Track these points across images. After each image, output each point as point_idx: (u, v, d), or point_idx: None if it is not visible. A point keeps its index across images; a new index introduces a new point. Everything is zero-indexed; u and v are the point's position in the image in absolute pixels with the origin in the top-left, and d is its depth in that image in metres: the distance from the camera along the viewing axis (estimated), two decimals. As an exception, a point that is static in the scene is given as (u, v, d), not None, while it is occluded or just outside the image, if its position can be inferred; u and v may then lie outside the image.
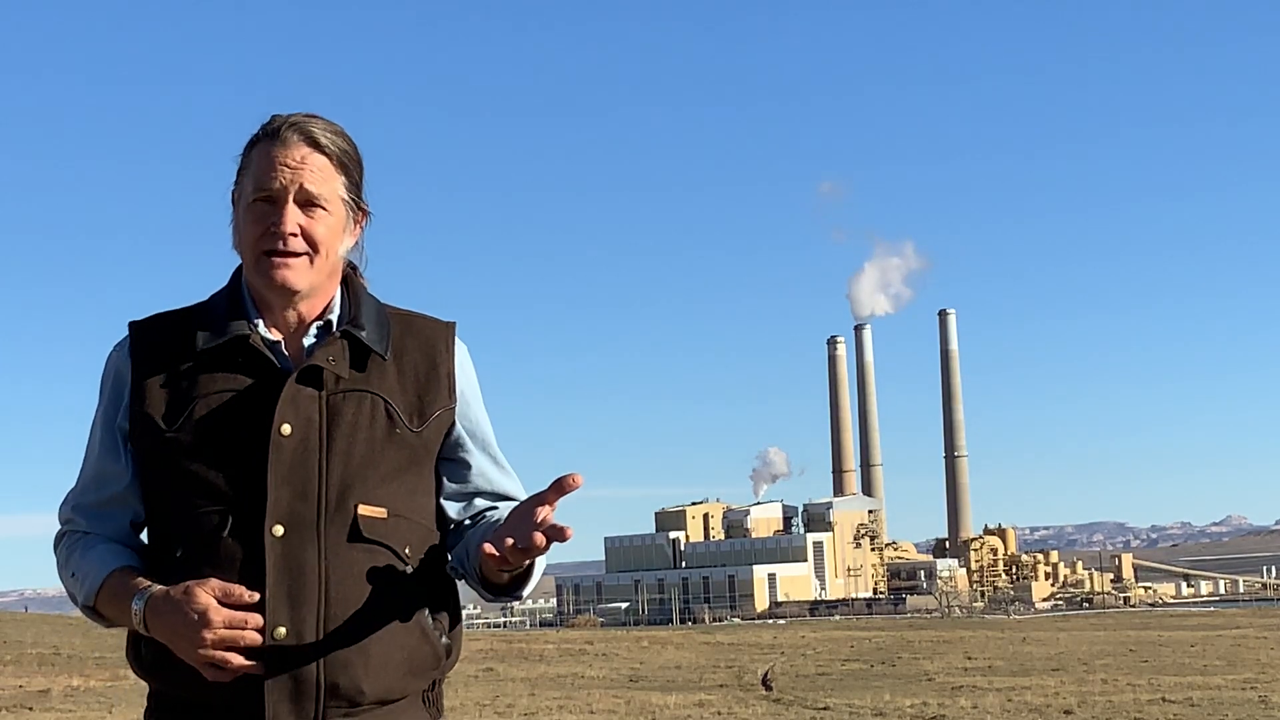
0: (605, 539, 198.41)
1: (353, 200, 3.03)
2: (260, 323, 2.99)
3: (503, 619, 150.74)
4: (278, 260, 2.93)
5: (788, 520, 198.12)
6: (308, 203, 2.95)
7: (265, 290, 2.98)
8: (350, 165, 3.02)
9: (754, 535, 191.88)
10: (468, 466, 3.10)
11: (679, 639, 56.83)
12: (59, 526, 3.08)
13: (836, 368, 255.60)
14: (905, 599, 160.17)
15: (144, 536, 3.04)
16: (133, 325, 3.06)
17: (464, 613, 3.20)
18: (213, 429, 2.92)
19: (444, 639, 3.01)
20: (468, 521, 3.10)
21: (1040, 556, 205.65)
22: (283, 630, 2.83)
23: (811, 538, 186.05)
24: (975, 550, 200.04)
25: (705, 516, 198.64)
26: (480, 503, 3.11)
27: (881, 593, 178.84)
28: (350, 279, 3.08)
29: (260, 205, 2.95)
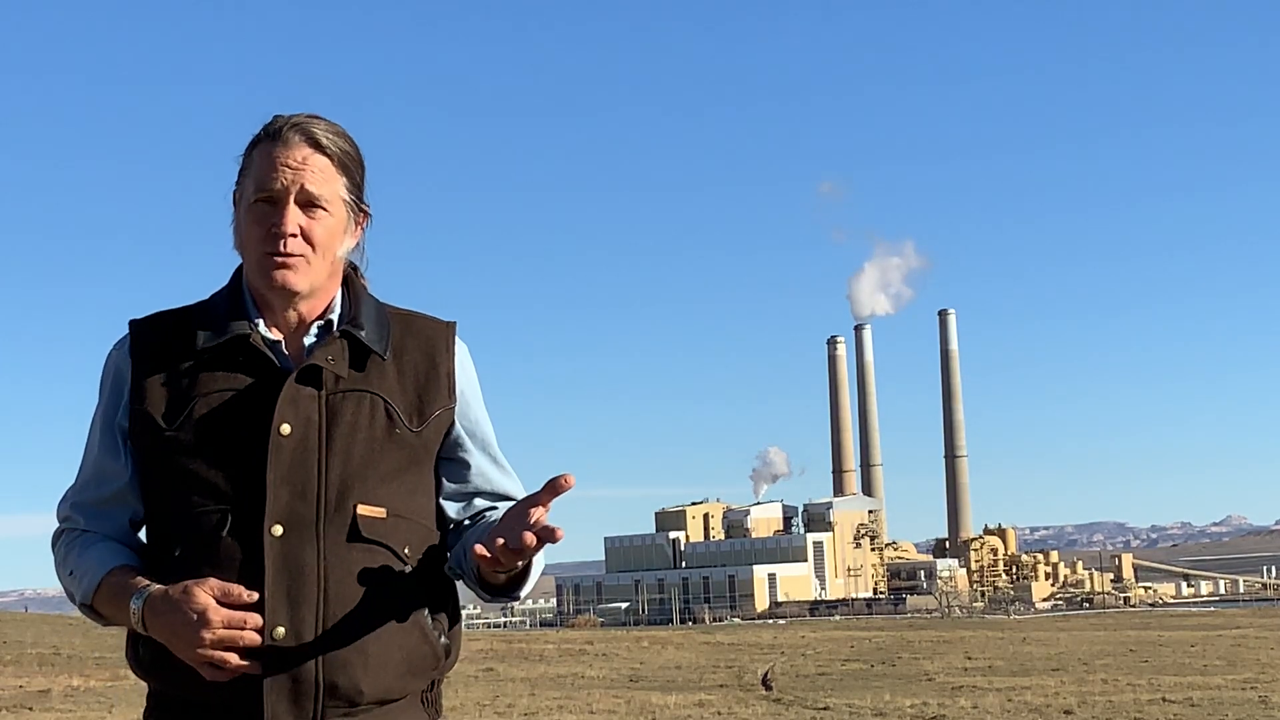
0: (605, 539, 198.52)
1: (354, 201, 3.02)
2: (261, 322, 2.99)
3: (503, 619, 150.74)
4: (278, 261, 2.93)
5: (788, 520, 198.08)
6: (309, 204, 2.95)
7: (266, 291, 2.98)
8: (351, 166, 3.02)
9: (754, 535, 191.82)
10: (467, 466, 3.10)
11: (679, 639, 56.84)
12: (57, 524, 3.08)
13: (836, 368, 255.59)
14: (905, 599, 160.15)
15: (143, 535, 3.04)
16: (133, 324, 3.06)
17: (464, 613, 3.20)
18: (212, 428, 2.92)
19: (443, 639, 3.01)
20: (467, 521, 3.10)
21: (1040, 556, 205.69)
22: (282, 630, 2.83)
23: (811, 538, 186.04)
24: (975, 550, 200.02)
25: (705, 516, 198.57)
26: (480, 503, 3.11)
27: (881, 593, 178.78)
28: (351, 279, 3.08)
29: (261, 206, 2.95)
